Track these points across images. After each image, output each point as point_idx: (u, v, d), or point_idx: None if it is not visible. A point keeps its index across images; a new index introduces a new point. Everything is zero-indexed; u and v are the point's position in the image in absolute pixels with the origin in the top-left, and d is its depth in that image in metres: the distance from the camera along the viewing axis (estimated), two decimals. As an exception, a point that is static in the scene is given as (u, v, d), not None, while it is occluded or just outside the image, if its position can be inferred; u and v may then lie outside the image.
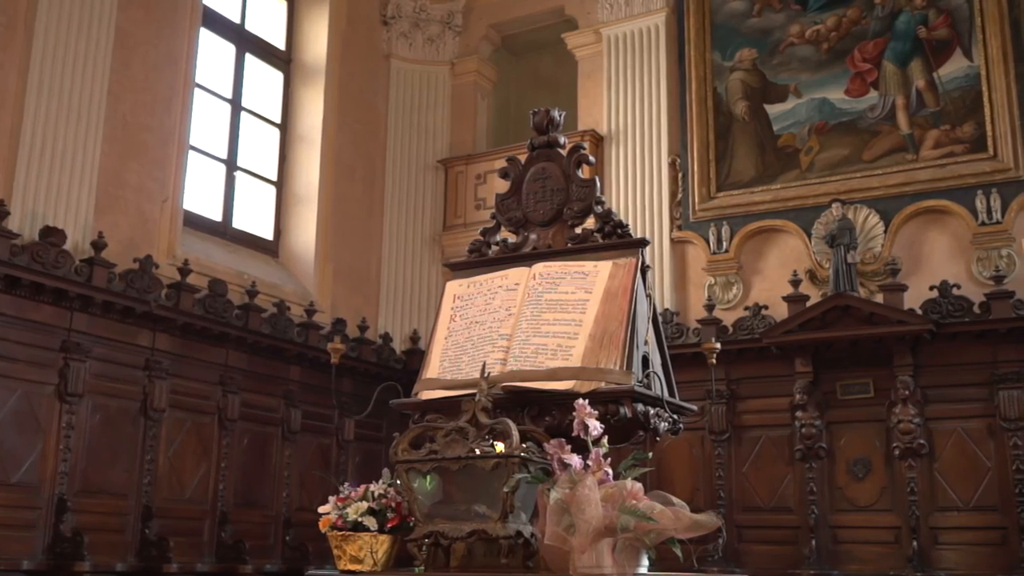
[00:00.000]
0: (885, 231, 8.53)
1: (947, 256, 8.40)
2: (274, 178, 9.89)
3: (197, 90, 8.81)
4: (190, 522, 7.77)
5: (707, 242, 9.23)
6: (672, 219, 9.46)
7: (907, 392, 7.75)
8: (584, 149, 3.79)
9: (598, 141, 9.87)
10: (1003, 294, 7.70)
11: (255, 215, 9.67)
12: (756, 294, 8.95)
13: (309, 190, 9.82)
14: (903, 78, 8.76)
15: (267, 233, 9.73)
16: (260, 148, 9.83)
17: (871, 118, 8.82)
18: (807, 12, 9.28)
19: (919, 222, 8.53)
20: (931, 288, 7.96)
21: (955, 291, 7.91)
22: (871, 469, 7.97)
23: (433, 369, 3.56)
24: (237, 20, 9.67)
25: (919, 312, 7.85)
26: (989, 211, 8.18)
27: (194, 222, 8.77)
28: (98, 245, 7.21)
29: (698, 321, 8.79)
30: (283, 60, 10.19)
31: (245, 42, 9.73)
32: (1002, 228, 8.12)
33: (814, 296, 8.39)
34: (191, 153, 8.68)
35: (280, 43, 10.19)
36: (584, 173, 3.80)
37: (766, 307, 8.58)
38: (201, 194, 9.02)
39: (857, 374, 8.08)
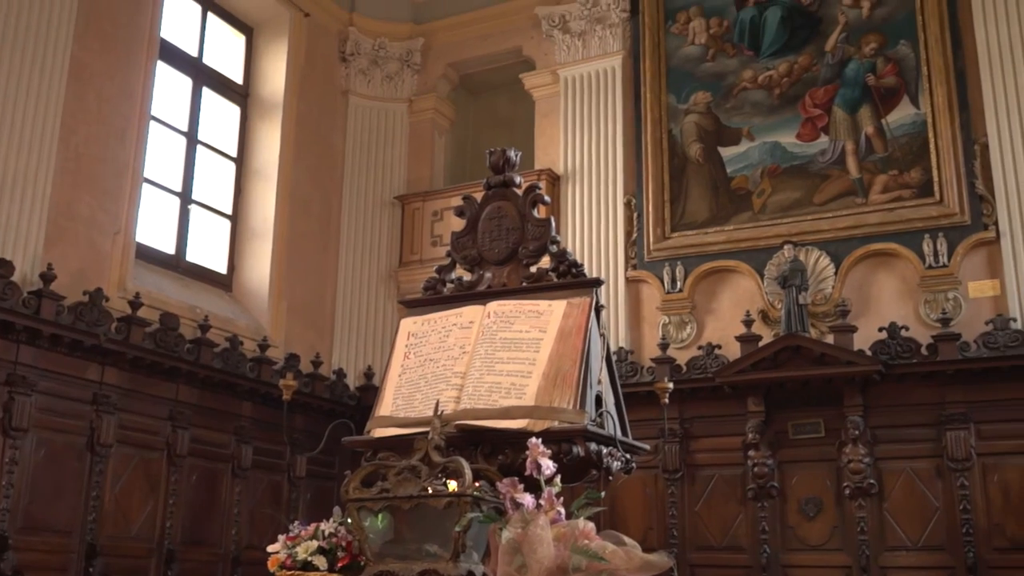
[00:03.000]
0: (835, 273, 8.66)
1: (895, 298, 8.54)
2: (229, 212, 9.83)
3: (153, 123, 8.75)
4: (136, 560, 7.60)
5: (661, 282, 9.31)
6: (627, 258, 9.54)
7: (857, 432, 7.84)
8: (539, 189, 3.84)
9: (554, 180, 9.95)
10: (950, 336, 7.85)
11: (209, 249, 9.58)
12: (709, 333, 9.02)
13: (264, 224, 9.78)
14: (852, 124, 8.95)
15: (221, 267, 9.65)
16: (215, 182, 9.77)
17: (822, 162, 8.99)
18: (760, 58, 9.47)
19: (868, 264, 8.68)
20: (880, 329, 8.09)
21: (903, 333, 8.05)
22: (822, 508, 8.03)
23: (386, 407, 3.55)
24: (195, 54, 9.65)
25: (868, 353, 7.96)
26: (936, 255, 8.35)
27: (146, 255, 8.67)
28: (47, 277, 7.10)
29: (652, 360, 8.85)
30: (240, 94, 10.17)
31: (202, 75, 9.70)
32: (948, 272, 8.29)
33: (766, 336, 8.48)
34: (145, 186, 8.60)
35: (238, 77, 10.19)
36: (539, 213, 3.84)
37: (719, 346, 8.66)
38: (154, 227, 8.94)
39: (808, 414, 8.16)
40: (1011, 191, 8.16)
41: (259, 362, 8.80)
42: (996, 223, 8.21)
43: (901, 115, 8.80)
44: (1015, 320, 7.86)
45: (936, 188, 8.46)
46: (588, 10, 10.20)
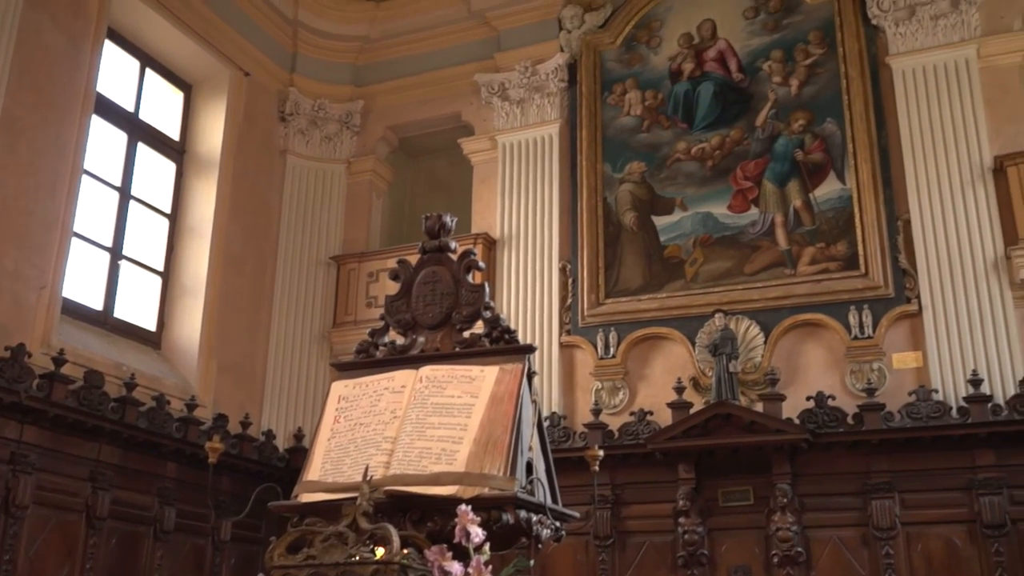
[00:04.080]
0: (765, 342, 8.82)
1: (823, 368, 8.71)
2: (160, 268, 9.69)
3: (85, 177, 8.64)
4: (48, 628, 7.32)
5: (595, 347, 9.38)
6: (562, 323, 9.61)
7: (785, 500, 7.91)
8: (474, 255, 3.86)
9: (491, 244, 10.02)
10: (874, 406, 8.01)
11: (138, 306, 9.42)
12: (642, 400, 9.09)
13: (196, 282, 9.65)
14: (781, 197, 9.19)
15: (150, 324, 9.48)
16: (148, 238, 9.64)
17: (752, 233, 9.20)
18: (693, 131, 9.72)
19: (797, 334, 8.85)
20: (808, 398, 8.23)
21: (830, 402, 8.19)
22: (751, 577, 8.06)
23: (314, 471, 3.51)
24: (131, 109, 9.59)
25: (797, 422, 8.08)
26: (861, 326, 8.55)
27: (73, 311, 8.49)
28: (-33, 332, 6.91)
29: (585, 425, 8.86)
30: (176, 151, 10.10)
31: (138, 131, 9.63)
32: (873, 343, 8.49)
33: (697, 403, 8.57)
34: (74, 240, 8.45)
35: (174, 134, 10.13)
36: (474, 278, 3.86)
37: (651, 413, 8.72)
38: (83, 282, 8.77)
39: (738, 481, 8.22)
40: (932, 266, 8.43)
41: (186, 422, 8.62)
42: (918, 297, 8.47)
43: (828, 190, 9.06)
44: (936, 391, 8.06)
45: (861, 261, 8.70)
46: (527, 79, 10.40)
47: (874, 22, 9.27)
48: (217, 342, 9.60)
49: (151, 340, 9.42)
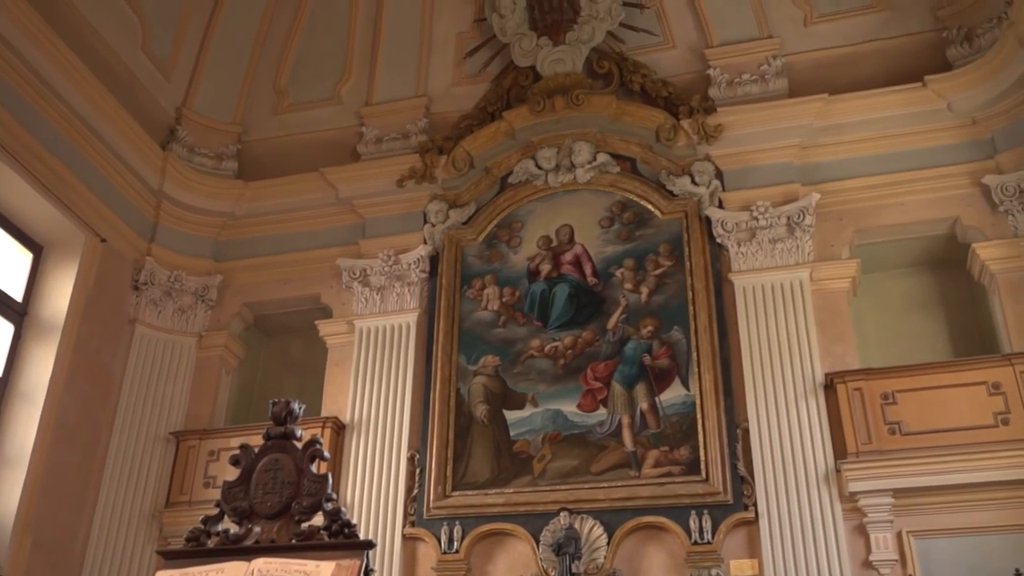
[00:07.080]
0: (608, 543, 8.83)
1: (663, 571, 8.73)
2: (-17, 435, 9.11)
3: (-88, 333, 8.19)
4: None
5: (439, 541, 9.18)
6: (406, 514, 9.40)
7: None
8: (319, 444, 3.82)
9: (340, 429, 9.87)
10: (712, 614, 8.06)
11: (-48, 474, 8.77)
12: (483, 598, 8.88)
13: (21, 451, 9.06)
14: (629, 399, 9.45)
15: (-38, 495, 8.81)
16: (-27, 401, 9.10)
17: (600, 433, 9.36)
18: (547, 329, 9.99)
19: (639, 536, 8.91)
20: (648, 603, 8.22)
21: (670, 608, 8.20)
22: None
23: (127, 670, 3.27)
24: (-26, 266, 9.24)
25: (636, 627, 8.03)
26: (701, 531, 8.68)
27: None
28: None
29: (423, 624, 8.57)
30: (18, 312, 9.70)
31: (-22, 289, 9.25)
32: (712, 548, 8.61)
33: (538, 604, 8.43)
34: None
35: (18, 295, 9.75)
36: (318, 468, 3.80)
37: (492, 613, 8.52)
38: None
39: None
40: (768, 475, 8.72)
41: (-12, 606, 7.91)
42: (755, 504, 8.70)
43: (673, 395, 9.37)
44: (772, 600, 8.18)
45: (703, 466, 8.93)
46: (389, 267, 10.58)
47: (719, 240, 9.90)
48: (36, 517, 8.96)
49: (-39, 512, 8.72)
